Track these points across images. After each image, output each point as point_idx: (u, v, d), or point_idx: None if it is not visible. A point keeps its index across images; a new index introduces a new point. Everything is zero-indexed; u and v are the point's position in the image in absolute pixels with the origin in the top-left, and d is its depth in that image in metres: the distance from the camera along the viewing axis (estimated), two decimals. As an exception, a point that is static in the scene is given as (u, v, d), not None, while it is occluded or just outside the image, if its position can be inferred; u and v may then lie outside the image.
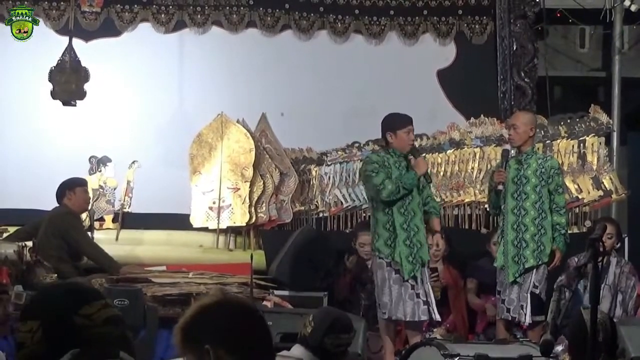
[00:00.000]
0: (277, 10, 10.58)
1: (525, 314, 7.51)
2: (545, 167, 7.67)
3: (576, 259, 8.39)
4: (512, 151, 7.90)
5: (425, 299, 7.47)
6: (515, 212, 7.64)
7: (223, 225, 9.82)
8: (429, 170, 7.82)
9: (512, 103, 10.52)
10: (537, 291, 7.53)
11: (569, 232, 8.12)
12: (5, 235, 8.94)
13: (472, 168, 10.00)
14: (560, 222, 7.63)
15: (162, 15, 10.53)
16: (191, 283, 8.45)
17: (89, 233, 9.27)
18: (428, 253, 7.56)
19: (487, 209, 9.47)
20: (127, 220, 9.95)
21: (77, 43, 9.84)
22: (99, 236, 9.45)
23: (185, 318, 2.52)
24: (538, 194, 7.63)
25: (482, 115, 10.22)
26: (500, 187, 7.72)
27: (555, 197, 7.67)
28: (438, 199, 8.85)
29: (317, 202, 10.08)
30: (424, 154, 8.33)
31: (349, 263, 8.81)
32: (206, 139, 9.95)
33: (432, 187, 7.88)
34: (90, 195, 9.48)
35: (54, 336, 2.45)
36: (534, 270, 7.57)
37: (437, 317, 7.57)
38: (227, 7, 10.56)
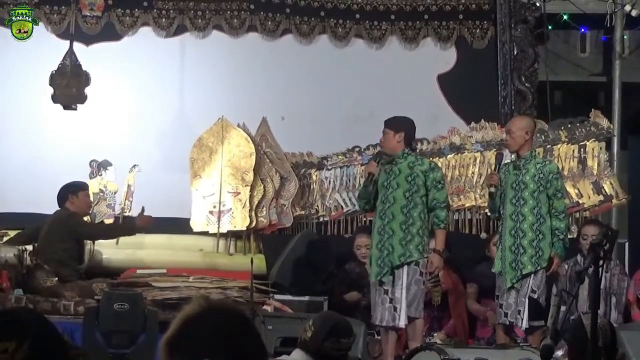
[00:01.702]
0: (278, 15, 10.58)
1: (523, 319, 7.45)
2: (544, 172, 7.62)
3: (566, 266, 8.38)
4: (512, 156, 7.90)
5: (394, 305, 7.38)
6: (513, 218, 7.61)
7: (223, 230, 9.82)
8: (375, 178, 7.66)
9: (513, 108, 10.52)
10: (535, 296, 7.49)
11: (570, 237, 8.11)
12: (5, 239, 8.95)
13: (473, 173, 10.00)
14: (559, 227, 7.58)
15: (163, 20, 10.53)
16: (191, 287, 8.45)
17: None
18: (400, 258, 7.40)
19: (488, 214, 9.49)
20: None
21: (78, 47, 9.85)
22: (99, 240, 9.46)
23: (173, 331, 2.42)
24: (536, 199, 7.58)
25: (482, 120, 10.23)
26: (492, 189, 7.71)
27: (554, 202, 7.61)
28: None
29: (317, 206, 10.08)
30: (377, 159, 8.02)
31: (349, 267, 8.81)
32: (207, 143, 9.96)
33: (437, 190, 7.59)
34: (91, 199, 9.49)
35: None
36: (532, 275, 7.53)
37: (401, 323, 7.39)
38: (228, 12, 10.56)
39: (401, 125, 7.66)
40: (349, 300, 8.58)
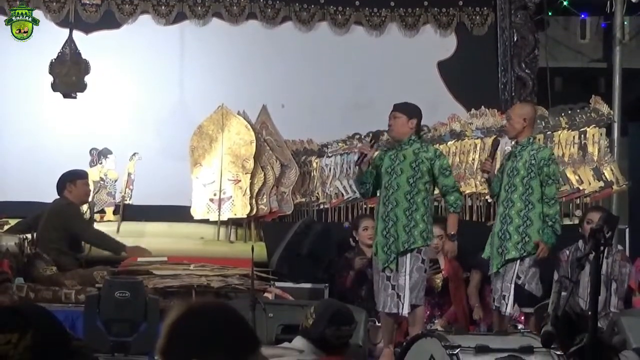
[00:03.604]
0: (278, 2, 10.58)
1: (507, 304, 7.42)
2: (537, 158, 7.53)
3: (567, 252, 8.37)
4: (512, 142, 7.89)
5: (397, 292, 7.39)
6: (504, 204, 7.58)
7: (224, 217, 9.83)
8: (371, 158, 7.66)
9: (513, 94, 10.52)
10: (520, 282, 7.42)
11: (571, 223, 8.07)
12: (6, 227, 8.95)
13: (473, 159, 10.00)
14: (549, 213, 7.47)
15: (163, 7, 10.53)
16: (192, 275, 8.45)
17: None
18: (404, 244, 7.38)
19: (488, 200, 9.52)
20: (128, 213, 9.96)
21: (78, 35, 9.85)
22: (99, 228, 9.46)
23: (163, 341, 2.44)
24: (525, 185, 7.51)
25: (482, 107, 10.22)
26: (486, 175, 7.73)
27: (545, 188, 7.51)
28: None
29: (317, 193, 10.08)
30: (372, 141, 7.87)
31: (349, 255, 8.81)
32: (207, 130, 9.96)
33: (445, 177, 7.54)
34: (91, 187, 9.50)
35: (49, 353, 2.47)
36: (518, 261, 7.48)
37: (405, 312, 7.37)
38: (228, -1, 10.57)
39: (415, 112, 7.63)
40: (358, 266, 8.54)
